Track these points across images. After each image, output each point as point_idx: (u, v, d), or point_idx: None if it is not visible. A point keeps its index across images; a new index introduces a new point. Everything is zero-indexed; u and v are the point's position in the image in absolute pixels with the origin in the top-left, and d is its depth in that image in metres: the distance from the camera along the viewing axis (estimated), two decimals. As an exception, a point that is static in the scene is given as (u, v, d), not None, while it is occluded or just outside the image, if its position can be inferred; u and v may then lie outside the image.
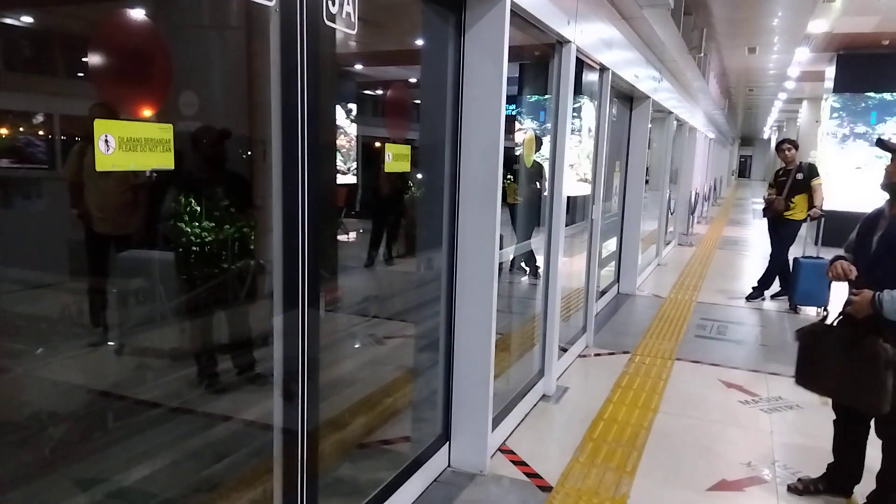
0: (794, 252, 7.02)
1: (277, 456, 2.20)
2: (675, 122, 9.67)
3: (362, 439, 3.62)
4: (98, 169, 1.36)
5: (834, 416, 3.11)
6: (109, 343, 4.55)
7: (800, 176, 6.86)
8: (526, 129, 6.75)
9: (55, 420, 3.72)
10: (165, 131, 1.55)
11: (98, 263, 4.77)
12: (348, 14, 2.28)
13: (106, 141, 1.38)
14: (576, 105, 4.51)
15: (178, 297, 4.54)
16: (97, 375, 4.23)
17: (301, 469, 2.20)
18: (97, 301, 4.81)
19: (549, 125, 4.40)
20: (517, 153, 5.45)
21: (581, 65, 4.66)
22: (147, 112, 1.76)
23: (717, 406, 4.33)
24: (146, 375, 4.30)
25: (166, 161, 1.56)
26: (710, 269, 9.72)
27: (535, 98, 6.89)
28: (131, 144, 1.44)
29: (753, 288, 7.53)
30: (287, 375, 2.14)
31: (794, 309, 7.03)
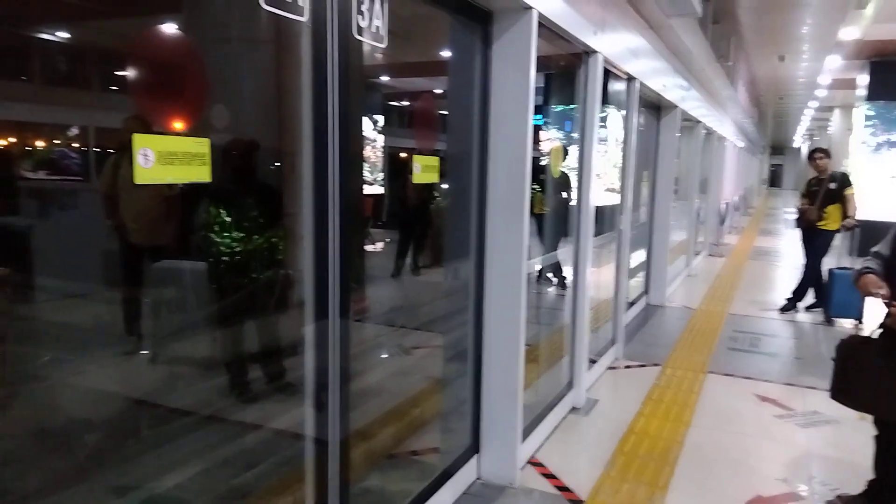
0: (828, 263, 6.88)
1: (309, 465, 2.21)
2: (703, 131, 9.57)
3: (391, 450, 3.62)
4: (137, 182, 1.40)
5: (874, 432, 3.03)
6: (143, 351, 4.63)
7: (832, 185, 6.72)
8: (552, 139, 6.74)
9: (90, 427, 3.79)
10: (202, 145, 1.58)
11: (132, 273, 4.86)
12: (377, 28, 2.31)
13: (145, 155, 1.42)
14: (602, 115, 4.50)
15: (209, 306, 4.61)
16: (131, 383, 4.30)
17: (332, 478, 2.21)
18: (131, 310, 4.91)
19: (575, 135, 4.39)
20: (543, 163, 5.44)
21: (608, 74, 4.65)
22: (183, 125, 1.80)
23: (750, 420, 4.25)
24: (178, 384, 4.37)
25: (203, 174, 1.60)
26: (741, 279, 9.56)
27: (560, 108, 6.88)
28: (169, 158, 1.48)
29: (787, 299, 7.38)
30: (318, 385, 2.16)
31: (828, 321, 6.87)
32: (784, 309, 7.34)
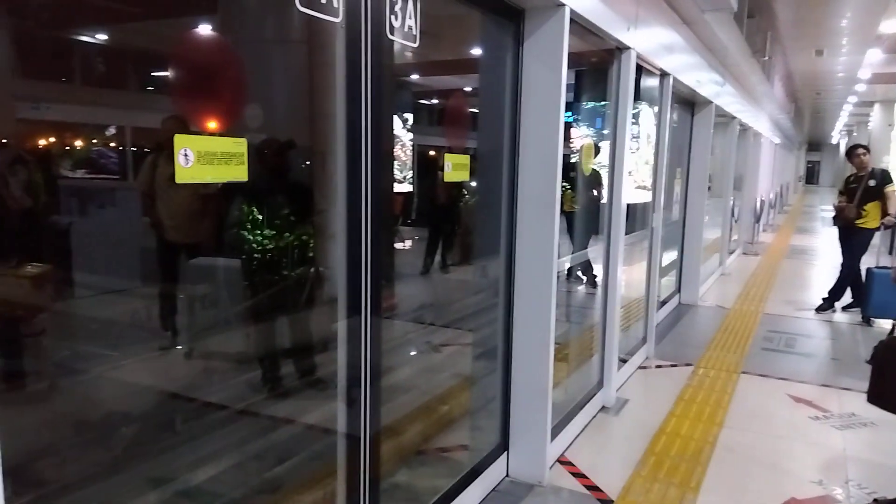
0: (866, 262, 6.71)
1: (341, 459, 2.24)
2: (738, 127, 9.40)
3: (420, 446, 3.64)
4: (178, 181, 1.44)
5: (914, 435, 2.96)
6: (178, 347, 4.73)
7: (872, 182, 6.56)
8: (582, 137, 6.70)
9: (127, 420, 3.89)
10: (240, 145, 1.62)
11: (168, 270, 4.96)
12: (410, 27, 2.32)
13: (185, 155, 1.46)
14: (634, 111, 4.45)
15: (242, 303, 4.68)
16: (167, 378, 4.39)
17: (363, 473, 2.24)
18: (167, 306, 5.01)
19: (605, 132, 4.36)
20: (572, 160, 5.41)
21: (640, 70, 4.60)
22: (222, 126, 1.84)
23: (785, 421, 4.18)
24: (212, 378, 4.45)
25: (240, 174, 1.63)
26: (776, 279, 9.38)
27: (591, 105, 6.83)
28: (208, 158, 1.51)
29: (823, 299, 7.23)
30: (350, 381, 2.18)
31: (866, 321, 6.71)
32: (820, 309, 7.19)
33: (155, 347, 4.84)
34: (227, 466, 3.55)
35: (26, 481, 2.93)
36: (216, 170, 1.54)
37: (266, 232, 4.32)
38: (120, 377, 4.32)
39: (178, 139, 1.45)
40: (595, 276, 6.65)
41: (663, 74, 5.04)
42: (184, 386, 4.31)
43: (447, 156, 2.84)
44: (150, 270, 5.29)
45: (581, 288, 6.91)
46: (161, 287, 5.04)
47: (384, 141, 2.19)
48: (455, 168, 2.88)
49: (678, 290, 7.47)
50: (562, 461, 3.51)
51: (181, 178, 1.45)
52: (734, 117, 8.82)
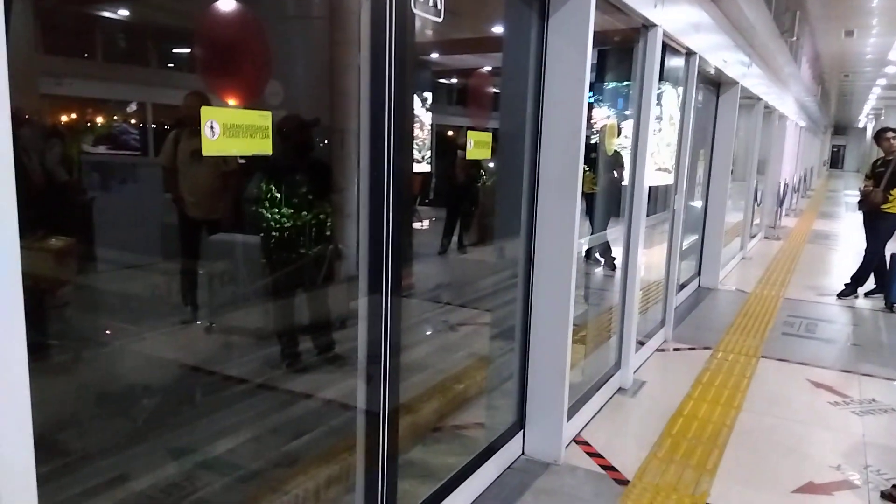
0: (891, 248, 6.60)
1: (360, 435, 2.26)
2: (763, 109, 9.24)
3: (437, 423, 3.67)
4: (204, 154, 1.44)
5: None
6: (199, 321, 4.78)
7: (900, 166, 6.42)
8: (603, 117, 6.62)
9: (148, 392, 3.95)
10: (265, 118, 1.61)
11: (189, 245, 5.01)
12: (435, 2, 2.29)
13: (211, 127, 1.46)
14: (657, 91, 4.38)
15: (261, 279, 4.72)
16: (187, 351, 4.45)
17: (382, 448, 2.26)
18: (188, 281, 5.06)
19: (627, 112, 4.30)
20: (592, 141, 5.35)
21: (664, 49, 4.52)
22: (246, 101, 1.83)
23: (804, 406, 4.15)
24: (232, 353, 4.50)
25: (265, 147, 1.63)
26: (798, 263, 9.26)
27: (612, 85, 6.74)
28: (234, 131, 1.51)
29: (846, 285, 7.13)
30: (370, 358, 2.20)
31: (889, 308, 6.62)
32: (842, 294, 7.10)
33: (176, 322, 4.91)
34: (246, 439, 3.61)
35: (50, 450, 2.99)
36: (241, 143, 1.54)
37: (284, 210, 4.33)
38: (141, 350, 4.39)
39: (205, 111, 1.45)
40: (614, 259, 6.61)
41: (689, 53, 4.95)
42: (204, 360, 4.37)
43: (469, 133, 2.82)
44: (171, 246, 5.35)
45: (599, 270, 6.88)
46: (182, 262, 5.09)
47: (406, 120, 2.18)
48: (477, 146, 2.86)
49: (698, 273, 7.41)
50: (578, 441, 3.52)
51: (207, 150, 1.45)
52: (760, 99, 8.67)
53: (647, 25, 3.87)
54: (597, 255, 6.85)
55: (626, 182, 4.34)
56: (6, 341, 0.98)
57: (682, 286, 6.67)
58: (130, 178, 7.37)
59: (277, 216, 4.39)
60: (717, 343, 5.34)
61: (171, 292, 5.31)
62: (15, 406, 1.01)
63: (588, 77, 2.97)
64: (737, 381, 4.50)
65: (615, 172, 5.93)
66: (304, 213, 4.32)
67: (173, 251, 5.15)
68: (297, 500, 2.86)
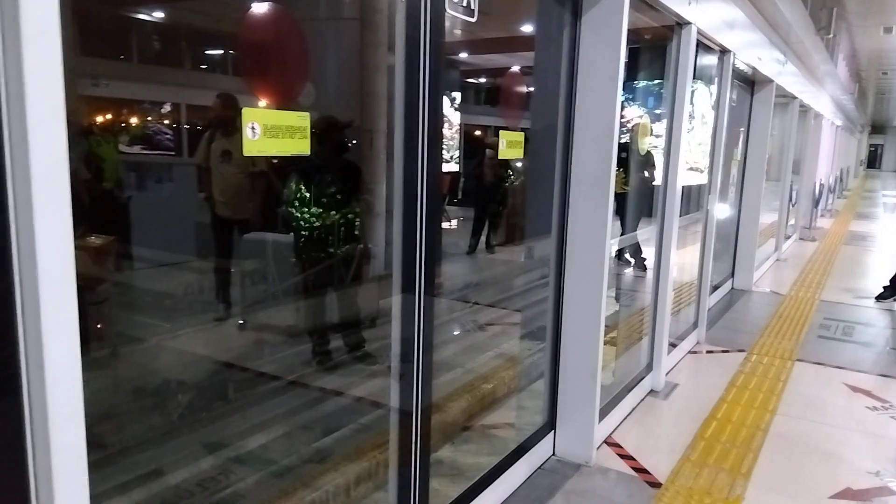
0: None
1: (393, 432, 2.28)
2: (798, 108, 9.06)
3: (467, 423, 3.67)
4: (245, 153, 1.47)
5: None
6: (231, 318, 4.86)
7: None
8: (634, 116, 6.55)
9: (183, 387, 4.02)
10: (304, 119, 1.64)
11: (222, 244, 5.09)
12: (468, 2, 2.30)
13: (252, 128, 1.48)
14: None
15: (292, 278, 4.78)
16: (221, 348, 4.52)
17: (415, 445, 2.27)
18: (221, 279, 5.15)
19: (658, 111, 4.26)
20: (623, 141, 5.30)
21: (697, 46, 4.47)
22: (283, 101, 1.86)
23: (841, 411, 4.06)
24: (264, 350, 4.56)
25: (303, 147, 1.66)
26: (834, 265, 9.06)
27: (642, 83, 6.68)
28: (274, 131, 1.54)
29: (884, 287, 6.95)
30: (403, 356, 2.21)
31: (931, 311, 6.45)
32: (880, 297, 6.92)
33: (209, 319, 4.99)
34: (278, 435, 3.66)
35: (88, 443, 3.06)
36: (281, 143, 1.57)
37: (313, 210, 4.38)
38: (176, 346, 4.47)
39: (247, 112, 1.48)
40: (644, 260, 6.55)
41: (723, 51, 4.88)
42: (237, 356, 4.43)
43: (501, 132, 2.82)
44: (204, 244, 5.44)
45: (629, 271, 6.81)
46: (216, 261, 5.18)
47: (439, 120, 2.19)
48: (509, 145, 2.86)
49: (732, 274, 7.29)
50: (609, 442, 3.50)
51: (248, 150, 1.48)
52: (795, 97, 8.50)
53: (681, 23, 3.83)
54: (627, 256, 6.79)
55: (656, 182, 4.30)
56: (62, 337, 1.02)
57: (716, 287, 6.58)
58: (166, 178, 7.52)
59: (307, 216, 4.44)
60: (752, 345, 5.26)
61: (203, 290, 5.40)
62: (69, 398, 1.05)
63: (621, 75, 2.95)
64: (772, 384, 4.42)
65: (646, 172, 5.87)
66: (333, 212, 4.36)
67: (206, 250, 5.24)
68: (328, 497, 2.89)
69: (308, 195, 4.31)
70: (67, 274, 1.02)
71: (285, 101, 1.98)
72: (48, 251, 1.00)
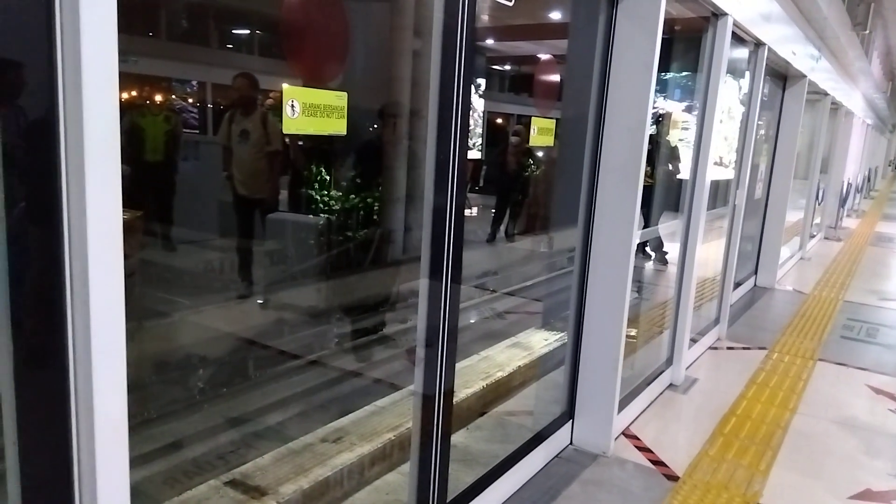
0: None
1: (416, 414, 2.30)
2: (830, 105, 8.89)
3: (485, 409, 3.69)
4: (284, 132, 1.48)
5: None
6: (252, 296, 4.90)
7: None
8: (663, 108, 6.47)
9: (205, 362, 4.08)
10: (341, 99, 1.64)
11: (244, 223, 5.13)
12: (507, -13, 2.28)
13: (292, 106, 1.49)
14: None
15: (313, 258, 4.80)
16: (242, 325, 4.57)
17: (437, 427, 2.29)
18: (243, 258, 5.20)
19: (684, 104, 4.20)
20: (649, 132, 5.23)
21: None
22: (318, 81, 1.86)
23: (863, 412, 4.02)
24: (284, 329, 4.60)
25: (340, 127, 1.66)
26: (859, 266, 8.93)
27: (671, 75, 6.59)
28: (312, 110, 1.55)
29: (911, 290, 6.85)
30: (429, 340, 2.22)
31: (958, 316, 6.34)
32: (907, 300, 6.83)
33: (231, 296, 5.05)
34: (297, 412, 3.71)
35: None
36: (319, 122, 1.58)
37: (333, 193, 4.40)
38: (200, 322, 4.53)
39: (287, 91, 1.49)
40: (665, 254, 6.49)
41: (758, 44, 4.80)
42: (258, 334, 4.48)
43: (533, 119, 2.80)
44: (226, 223, 5.48)
45: (649, 264, 6.77)
46: (238, 240, 5.23)
47: (468, 107, 2.17)
48: (540, 132, 2.84)
49: (755, 271, 7.21)
50: (627, 434, 3.50)
51: (287, 128, 1.49)
52: (827, 94, 8.34)
53: (717, 14, 3.77)
54: (648, 250, 6.74)
55: (680, 175, 4.25)
56: (108, 309, 1.04)
57: (738, 284, 6.51)
58: (192, 156, 7.58)
59: (326, 198, 4.46)
60: (773, 343, 5.21)
61: (224, 269, 5.46)
62: (113, 365, 1.07)
63: (656, 63, 2.91)
64: (792, 382, 4.39)
65: (670, 165, 5.81)
66: (352, 196, 4.37)
67: (230, 228, 5.28)
68: (344, 475, 2.92)
69: (328, 178, 4.33)
70: (115, 246, 1.04)
71: (324, 81, 1.98)
72: (98, 223, 1.01)
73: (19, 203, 0.97)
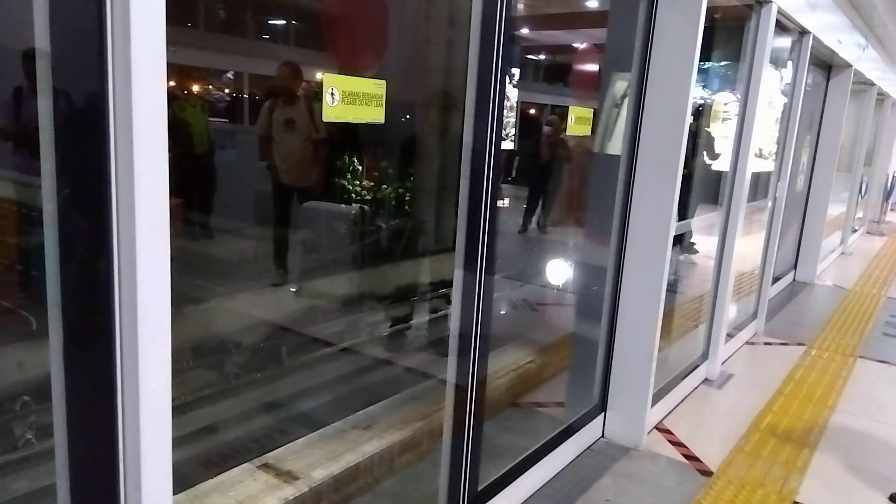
0: None
1: (448, 403, 2.30)
2: (875, 96, 8.61)
3: (516, 400, 3.69)
4: (324, 119, 1.49)
5: None
6: (285, 285, 4.96)
7: None
8: (700, 98, 6.34)
9: (239, 348, 4.14)
10: (380, 87, 1.65)
11: (282, 212, 5.19)
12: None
13: (332, 94, 1.50)
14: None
15: (347, 247, 4.84)
16: (276, 312, 4.63)
17: (469, 417, 2.30)
18: (279, 246, 5.26)
19: (722, 94, 4.11)
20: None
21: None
22: (361, 69, 1.86)
23: (906, 412, 3.92)
24: (317, 316, 4.65)
25: (378, 115, 1.67)
26: (903, 262, 8.68)
27: (709, 64, 6.45)
28: (351, 98, 1.56)
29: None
30: (462, 331, 2.23)
31: None
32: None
33: (266, 284, 5.12)
34: (329, 399, 3.75)
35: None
36: (358, 110, 1.59)
37: (364, 182, 4.42)
38: (235, 308, 4.60)
39: (327, 78, 1.50)
40: (693, 244, 6.38)
41: (802, 33, 4.67)
42: (292, 321, 4.53)
43: (571, 109, 2.77)
44: (263, 212, 5.55)
45: (681, 257, 6.66)
46: (275, 228, 5.29)
47: (503, 98, 2.16)
48: (578, 122, 2.81)
49: (794, 266, 7.05)
50: (660, 428, 3.47)
51: (327, 116, 1.50)
52: (873, 84, 8.08)
53: (761, 1, 3.67)
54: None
55: (715, 167, 4.17)
56: (156, 295, 1.06)
57: (776, 279, 6.38)
58: (229, 145, 7.69)
59: (358, 188, 4.49)
60: (812, 339, 5.10)
61: (258, 257, 5.53)
62: (159, 348, 1.10)
63: (698, 52, 2.85)
64: (831, 379, 4.29)
65: (706, 156, 5.69)
66: (384, 186, 4.38)
67: (266, 217, 5.35)
68: (374, 462, 2.94)
69: (360, 168, 4.35)
70: (162, 231, 1.06)
71: (364, 69, 1.99)
72: (146, 206, 1.04)
73: (71, 189, 1.00)
